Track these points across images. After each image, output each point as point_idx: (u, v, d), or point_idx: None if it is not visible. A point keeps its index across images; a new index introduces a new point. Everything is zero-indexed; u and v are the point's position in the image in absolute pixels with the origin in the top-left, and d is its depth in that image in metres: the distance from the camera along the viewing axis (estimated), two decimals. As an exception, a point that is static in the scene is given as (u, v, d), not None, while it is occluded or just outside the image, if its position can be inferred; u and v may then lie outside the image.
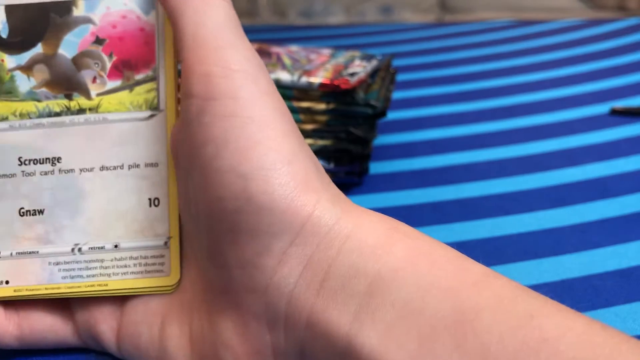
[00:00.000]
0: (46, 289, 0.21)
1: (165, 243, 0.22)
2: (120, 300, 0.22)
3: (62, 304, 0.22)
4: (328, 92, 0.34)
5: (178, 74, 0.22)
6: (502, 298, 0.15)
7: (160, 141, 0.22)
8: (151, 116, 0.22)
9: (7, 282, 0.22)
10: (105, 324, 0.21)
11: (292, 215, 0.18)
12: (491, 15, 0.80)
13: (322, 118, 0.35)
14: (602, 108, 0.49)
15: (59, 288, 0.21)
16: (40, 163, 0.22)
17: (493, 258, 0.30)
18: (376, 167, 0.39)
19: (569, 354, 0.14)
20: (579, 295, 0.27)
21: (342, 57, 0.40)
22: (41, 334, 0.22)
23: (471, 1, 0.82)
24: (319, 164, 0.20)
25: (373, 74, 0.38)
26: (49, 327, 0.22)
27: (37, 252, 0.22)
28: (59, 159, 0.22)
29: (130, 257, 0.22)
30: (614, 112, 0.48)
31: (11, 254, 0.22)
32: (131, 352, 0.21)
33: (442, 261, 0.17)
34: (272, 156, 0.18)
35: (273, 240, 0.18)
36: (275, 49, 0.41)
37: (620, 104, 0.49)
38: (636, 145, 0.42)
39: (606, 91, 0.52)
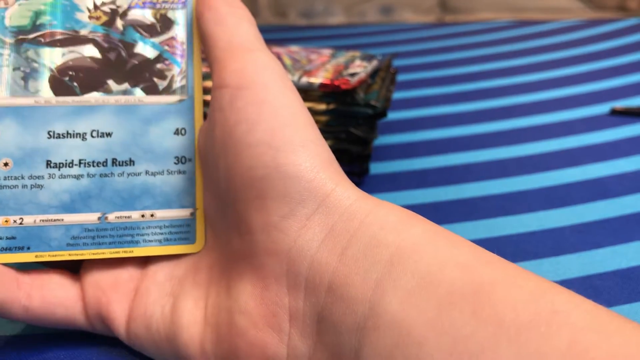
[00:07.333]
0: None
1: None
2: (133, 282, 0.22)
3: (76, 282, 0.22)
4: (328, 92, 0.34)
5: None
6: (515, 276, 0.16)
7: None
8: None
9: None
10: (117, 305, 0.22)
11: (317, 186, 0.19)
12: (491, 16, 0.80)
13: (323, 118, 0.35)
14: (602, 108, 0.49)
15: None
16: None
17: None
18: (376, 168, 0.39)
19: (579, 324, 0.14)
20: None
21: (342, 57, 0.40)
22: (51, 307, 0.22)
23: (471, 1, 0.82)
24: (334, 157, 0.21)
25: (373, 74, 0.38)
26: (60, 301, 0.22)
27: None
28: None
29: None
30: (614, 112, 0.48)
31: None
32: (140, 334, 0.21)
33: (458, 242, 0.18)
34: (302, 135, 0.20)
35: (298, 205, 0.19)
36: (276, 49, 0.41)
37: (620, 104, 0.49)
38: (636, 145, 0.42)
39: (606, 91, 0.53)
